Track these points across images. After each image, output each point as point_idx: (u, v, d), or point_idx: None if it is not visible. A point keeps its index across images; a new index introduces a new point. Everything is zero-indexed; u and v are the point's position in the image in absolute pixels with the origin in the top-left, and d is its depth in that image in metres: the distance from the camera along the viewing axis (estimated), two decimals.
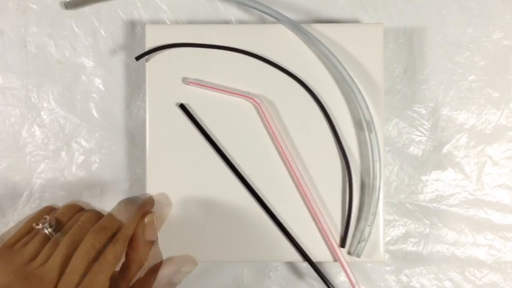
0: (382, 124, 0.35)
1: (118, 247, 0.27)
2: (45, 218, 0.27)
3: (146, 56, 0.35)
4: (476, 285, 0.38)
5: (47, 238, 0.27)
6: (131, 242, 0.29)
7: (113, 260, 0.26)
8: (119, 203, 0.30)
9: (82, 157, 0.39)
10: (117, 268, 0.29)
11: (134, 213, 0.29)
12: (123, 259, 0.29)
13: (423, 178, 0.39)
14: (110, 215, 0.29)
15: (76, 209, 0.30)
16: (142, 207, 0.31)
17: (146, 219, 0.31)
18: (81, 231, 0.27)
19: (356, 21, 0.39)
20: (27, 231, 0.28)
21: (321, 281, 0.36)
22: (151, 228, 0.31)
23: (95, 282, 0.25)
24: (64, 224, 0.28)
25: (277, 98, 0.35)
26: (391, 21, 0.39)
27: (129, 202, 0.31)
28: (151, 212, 0.31)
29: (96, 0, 0.38)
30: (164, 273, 0.30)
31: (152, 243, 0.31)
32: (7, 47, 0.39)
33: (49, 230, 0.27)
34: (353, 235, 0.35)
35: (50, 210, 0.30)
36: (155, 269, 0.31)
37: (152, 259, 0.31)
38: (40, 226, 0.27)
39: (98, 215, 0.29)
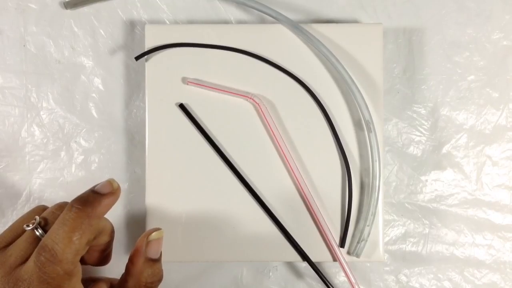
0: (382, 124, 0.35)
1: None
2: (35, 219, 0.26)
3: (146, 56, 0.35)
4: (475, 285, 0.38)
5: (38, 240, 0.25)
6: (132, 257, 0.28)
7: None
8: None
9: (81, 157, 0.39)
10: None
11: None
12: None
13: (423, 178, 0.39)
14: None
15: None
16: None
17: (152, 235, 0.28)
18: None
19: (355, 21, 0.39)
20: (18, 232, 0.26)
21: (320, 281, 0.36)
22: (156, 246, 0.29)
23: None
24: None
25: (276, 98, 0.35)
26: (391, 21, 0.39)
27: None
28: (158, 228, 0.29)
29: (96, 0, 0.38)
30: (136, 253, 0.28)
31: (155, 261, 0.29)
32: (6, 47, 0.39)
33: (40, 231, 0.25)
34: (353, 235, 0.35)
35: (41, 210, 0.28)
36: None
37: (152, 277, 0.28)
38: (30, 227, 0.25)
39: None
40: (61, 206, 0.27)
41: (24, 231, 0.26)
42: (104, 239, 0.29)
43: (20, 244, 0.25)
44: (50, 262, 0.23)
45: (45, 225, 0.26)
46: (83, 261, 0.30)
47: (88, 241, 0.25)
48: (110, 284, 0.30)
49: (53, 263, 0.23)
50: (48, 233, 0.24)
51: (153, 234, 0.28)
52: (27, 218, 0.27)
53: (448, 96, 0.39)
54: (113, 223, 0.30)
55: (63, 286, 0.23)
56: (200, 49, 0.35)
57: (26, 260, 0.24)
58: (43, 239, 0.24)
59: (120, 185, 0.38)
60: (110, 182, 0.27)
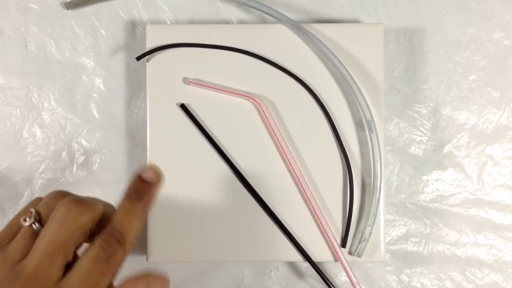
0: (383, 124, 0.35)
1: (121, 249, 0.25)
2: (30, 212, 0.26)
3: (147, 56, 0.35)
4: (477, 285, 0.38)
5: (35, 234, 0.25)
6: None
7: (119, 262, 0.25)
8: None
9: (82, 157, 0.39)
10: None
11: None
12: None
13: (424, 178, 0.39)
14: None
15: (62, 198, 0.27)
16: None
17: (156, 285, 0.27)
18: (59, 223, 0.25)
19: (356, 21, 0.39)
20: (17, 227, 0.26)
21: (321, 281, 0.36)
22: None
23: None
24: (46, 216, 0.26)
25: (277, 98, 0.35)
26: (392, 21, 0.39)
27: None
28: (167, 279, 0.28)
29: (97, 0, 0.38)
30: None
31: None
32: (7, 47, 0.39)
33: (36, 225, 0.25)
34: (354, 235, 0.35)
35: (38, 202, 0.28)
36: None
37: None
38: (27, 222, 0.25)
39: (78, 202, 0.26)
40: (55, 197, 0.27)
41: (22, 226, 0.26)
42: None
43: (20, 241, 0.25)
44: (118, 242, 0.25)
45: (40, 219, 0.26)
46: None
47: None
48: None
49: (121, 244, 0.25)
50: (114, 219, 0.25)
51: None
52: (23, 212, 0.27)
53: (449, 95, 0.39)
54: None
55: (117, 266, 0.25)
56: (201, 49, 0.35)
57: (26, 255, 0.24)
58: (109, 224, 0.25)
59: (121, 185, 0.38)
60: (154, 169, 0.28)
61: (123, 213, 0.26)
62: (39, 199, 0.28)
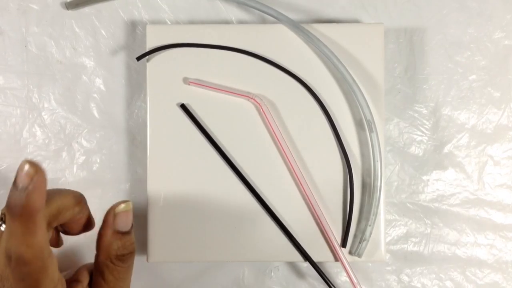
0: (383, 124, 0.35)
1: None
2: (3, 214, 0.25)
3: (147, 56, 0.35)
4: (477, 285, 0.38)
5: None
6: (100, 230, 0.27)
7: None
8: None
9: (83, 157, 0.39)
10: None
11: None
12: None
13: (424, 178, 0.39)
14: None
15: None
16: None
17: (119, 208, 0.27)
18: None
19: (356, 21, 0.39)
20: None
21: (322, 281, 0.36)
22: (125, 218, 0.27)
23: None
24: None
25: (277, 98, 0.35)
26: (392, 21, 0.39)
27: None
28: (127, 200, 0.28)
29: (97, 0, 0.38)
30: (104, 226, 0.27)
31: (125, 233, 0.27)
32: (7, 47, 0.39)
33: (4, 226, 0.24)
34: (354, 235, 0.35)
35: None
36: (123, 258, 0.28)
37: (122, 250, 0.27)
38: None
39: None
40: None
41: None
42: (69, 214, 0.27)
43: None
44: (20, 265, 0.23)
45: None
46: (67, 233, 0.29)
47: (46, 230, 0.24)
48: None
49: (24, 265, 0.23)
50: (5, 241, 0.23)
51: (121, 206, 0.27)
52: None
53: (449, 95, 0.39)
54: (59, 235, 0.30)
55: (39, 280, 0.23)
56: (201, 49, 0.35)
57: None
58: (6, 248, 0.23)
59: (122, 185, 0.38)
60: (27, 172, 0.23)
61: (9, 233, 0.23)
62: None
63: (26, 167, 0.22)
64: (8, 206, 0.22)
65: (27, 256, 0.22)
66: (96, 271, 0.27)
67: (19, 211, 0.22)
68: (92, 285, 0.27)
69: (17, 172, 0.22)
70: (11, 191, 0.22)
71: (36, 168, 0.22)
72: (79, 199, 0.28)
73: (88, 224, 0.29)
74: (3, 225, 0.25)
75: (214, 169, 0.35)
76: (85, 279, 0.27)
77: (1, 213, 0.25)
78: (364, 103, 0.34)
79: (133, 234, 0.28)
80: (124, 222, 0.27)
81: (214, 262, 0.38)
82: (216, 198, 0.35)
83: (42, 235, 0.23)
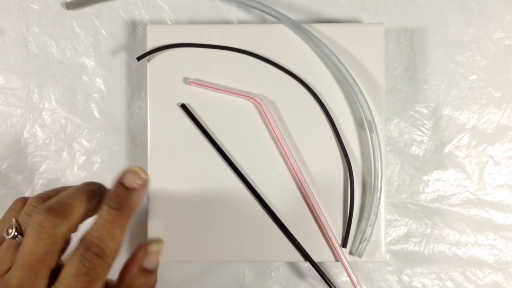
0: (383, 124, 0.35)
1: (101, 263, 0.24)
2: (12, 223, 0.25)
3: (147, 56, 0.35)
4: (478, 285, 0.38)
5: (18, 245, 0.24)
6: (128, 263, 0.27)
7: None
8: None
9: (83, 157, 0.39)
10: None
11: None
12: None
13: (425, 178, 0.39)
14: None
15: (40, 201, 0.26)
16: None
17: (152, 246, 0.27)
18: (37, 235, 0.24)
19: (357, 21, 0.39)
20: (0, 235, 0.25)
21: (322, 281, 0.36)
22: (155, 258, 0.28)
23: None
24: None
25: (278, 98, 0.35)
26: (392, 21, 0.39)
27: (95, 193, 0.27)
28: (160, 239, 0.28)
29: (97, 0, 0.39)
30: (132, 261, 0.27)
31: (150, 271, 0.27)
32: (8, 47, 0.39)
33: (19, 237, 0.25)
34: (355, 235, 0.35)
35: (20, 206, 0.27)
36: None
37: (144, 285, 0.27)
38: (9, 235, 0.25)
39: (52, 210, 0.25)
40: (34, 206, 0.26)
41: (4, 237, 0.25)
42: None
43: (4, 253, 0.25)
44: (97, 256, 0.24)
45: (21, 230, 0.25)
46: None
47: (125, 235, 0.26)
48: (105, 284, 0.29)
49: (101, 257, 0.24)
50: (91, 231, 0.24)
51: (154, 245, 0.28)
52: (5, 221, 0.26)
53: (450, 95, 0.39)
54: None
55: (100, 279, 0.24)
56: (201, 49, 0.35)
57: (9, 269, 0.24)
58: (86, 237, 0.24)
59: None
60: (137, 174, 0.26)
61: (102, 225, 0.24)
62: (20, 201, 0.27)
63: (139, 171, 0.26)
64: (110, 198, 0.25)
65: (108, 248, 0.24)
66: None
67: (120, 206, 0.25)
68: None
69: (127, 173, 0.26)
70: (116, 186, 0.25)
71: (145, 175, 0.26)
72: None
73: None
74: (19, 236, 0.25)
75: (214, 169, 0.35)
76: None
77: (16, 223, 0.25)
78: (364, 103, 0.34)
79: (157, 271, 0.28)
80: (154, 262, 0.27)
81: (214, 262, 0.38)
82: (216, 198, 0.35)
83: (125, 234, 0.25)
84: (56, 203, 0.25)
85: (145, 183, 0.26)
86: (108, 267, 0.24)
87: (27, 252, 0.23)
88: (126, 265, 0.27)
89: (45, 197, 0.26)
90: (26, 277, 0.23)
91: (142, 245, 0.28)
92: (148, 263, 0.27)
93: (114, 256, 0.25)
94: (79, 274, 0.23)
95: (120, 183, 0.26)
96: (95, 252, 0.24)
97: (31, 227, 0.23)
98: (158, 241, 0.28)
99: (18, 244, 0.24)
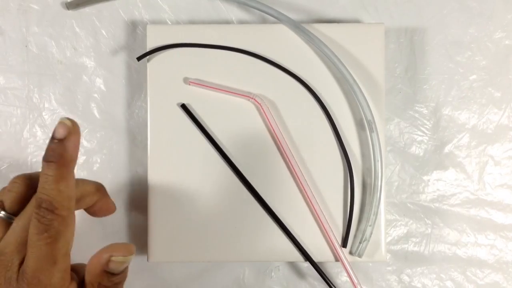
0: (383, 124, 0.35)
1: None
2: None
3: (147, 56, 0.35)
4: (478, 285, 0.38)
5: (4, 221, 0.26)
6: (92, 261, 0.26)
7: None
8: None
9: (83, 157, 0.39)
10: None
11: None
12: None
13: (425, 178, 0.39)
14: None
15: (23, 179, 0.28)
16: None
17: (118, 258, 0.26)
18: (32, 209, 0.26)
19: (357, 21, 0.39)
20: None
21: (322, 281, 0.36)
22: (119, 266, 0.26)
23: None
24: (11, 201, 0.27)
25: (278, 98, 0.35)
26: (392, 21, 0.39)
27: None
28: (130, 248, 0.27)
29: (97, 0, 0.39)
30: (94, 262, 0.26)
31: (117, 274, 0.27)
32: (8, 47, 0.39)
33: (2, 213, 0.26)
34: (355, 235, 0.35)
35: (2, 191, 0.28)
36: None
37: (107, 282, 0.26)
38: None
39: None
40: (15, 181, 0.28)
41: None
42: (90, 200, 0.30)
43: None
44: (48, 211, 0.24)
45: (3, 207, 0.27)
46: (91, 215, 0.31)
47: (74, 187, 0.26)
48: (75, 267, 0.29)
49: (52, 211, 0.24)
50: (38, 190, 0.25)
51: (119, 257, 0.26)
52: None
53: (450, 95, 0.39)
54: (115, 224, 0.30)
55: (60, 233, 0.25)
56: (201, 49, 0.35)
57: None
58: (37, 195, 0.25)
59: (122, 185, 0.38)
60: (63, 124, 0.25)
61: (45, 180, 0.25)
62: (3, 188, 0.28)
63: (65, 120, 0.25)
64: (46, 154, 0.25)
65: (56, 201, 0.25)
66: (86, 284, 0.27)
67: (56, 158, 0.25)
68: None
69: (56, 126, 0.25)
70: (49, 141, 0.25)
71: (73, 123, 0.26)
72: (99, 187, 0.30)
73: (108, 209, 0.32)
74: (2, 212, 0.26)
75: (214, 169, 0.35)
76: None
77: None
78: (364, 103, 0.34)
79: (127, 270, 0.27)
80: (117, 269, 0.27)
81: (214, 262, 0.38)
82: (216, 198, 0.35)
83: (72, 186, 0.26)
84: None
85: (72, 131, 0.25)
86: (63, 220, 0.25)
87: (18, 230, 0.25)
88: (91, 261, 0.27)
89: (23, 177, 0.28)
90: (9, 249, 0.25)
91: (109, 248, 0.27)
92: (111, 269, 0.26)
93: (67, 208, 0.25)
94: (39, 232, 0.24)
95: (52, 137, 0.26)
96: (45, 207, 0.24)
97: (45, 175, 0.25)
98: (126, 251, 0.27)
99: (3, 220, 0.26)
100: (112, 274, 0.26)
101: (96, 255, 0.27)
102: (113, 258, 0.26)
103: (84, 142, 0.39)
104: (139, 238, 0.38)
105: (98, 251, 0.27)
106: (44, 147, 0.38)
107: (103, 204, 0.31)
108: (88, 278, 0.27)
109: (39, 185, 0.25)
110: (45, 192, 0.25)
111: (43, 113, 0.39)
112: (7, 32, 0.39)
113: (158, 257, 0.35)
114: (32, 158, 0.39)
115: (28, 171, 0.38)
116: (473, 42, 0.39)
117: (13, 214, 0.27)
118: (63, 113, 0.39)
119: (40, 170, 0.25)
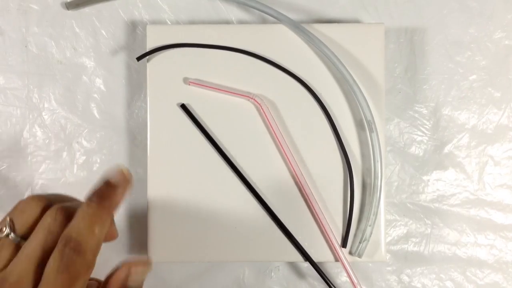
0: (383, 124, 0.35)
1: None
2: (6, 222, 0.25)
3: (147, 57, 0.35)
4: (478, 285, 0.38)
5: (13, 244, 0.25)
6: (108, 279, 0.26)
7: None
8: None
9: (83, 158, 0.39)
10: None
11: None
12: None
13: (424, 178, 0.39)
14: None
15: (37, 201, 0.26)
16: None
17: (136, 272, 0.26)
18: (44, 234, 0.24)
19: (357, 21, 0.39)
20: None
21: (322, 281, 0.36)
22: (140, 279, 0.26)
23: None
24: (22, 224, 0.25)
25: (278, 98, 0.35)
26: (392, 21, 0.39)
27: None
28: (147, 262, 0.27)
29: (97, 1, 0.38)
30: (114, 279, 0.26)
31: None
32: (8, 48, 0.39)
33: (12, 235, 0.25)
34: (355, 235, 0.35)
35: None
36: None
37: None
38: (3, 233, 0.25)
39: (65, 211, 0.26)
40: (28, 203, 0.26)
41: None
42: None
43: (1, 252, 0.25)
44: (75, 252, 0.23)
45: (14, 228, 0.25)
46: None
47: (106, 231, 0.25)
48: (96, 284, 0.29)
49: (78, 253, 0.23)
50: (70, 226, 0.24)
51: (138, 269, 0.26)
52: (2, 221, 0.26)
53: (450, 95, 0.39)
54: (115, 224, 0.30)
55: (81, 276, 0.24)
56: (201, 50, 0.35)
57: (6, 266, 0.24)
58: (66, 231, 0.24)
59: None
60: (121, 171, 0.26)
61: (81, 218, 0.24)
62: (16, 208, 0.27)
63: (124, 169, 0.26)
64: (93, 193, 0.25)
65: (86, 244, 0.24)
66: None
67: (101, 200, 0.25)
68: None
69: (113, 171, 0.25)
70: (100, 182, 0.25)
71: (130, 175, 0.26)
72: (113, 218, 0.29)
73: (111, 236, 0.30)
74: (12, 234, 0.25)
75: (214, 169, 0.35)
76: None
77: (9, 221, 0.25)
78: (364, 103, 0.34)
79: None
80: (137, 282, 0.26)
81: (214, 262, 0.38)
82: (216, 198, 0.35)
83: (104, 233, 0.25)
84: (66, 205, 0.25)
85: (128, 181, 0.26)
86: (87, 264, 0.24)
87: (33, 246, 0.24)
88: (107, 280, 0.26)
89: (40, 198, 0.26)
90: (26, 272, 0.23)
91: (126, 266, 0.26)
92: (132, 282, 0.26)
93: (93, 253, 0.24)
94: (59, 271, 0.23)
95: (105, 180, 0.25)
96: (73, 247, 0.23)
97: (42, 223, 0.24)
98: (144, 263, 0.27)
99: (13, 242, 0.24)
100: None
101: (114, 274, 0.26)
102: (133, 270, 0.26)
103: (84, 142, 0.39)
104: (139, 238, 0.38)
105: (113, 269, 0.26)
106: (44, 147, 0.38)
107: (109, 231, 0.30)
108: None
109: (73, 221, 0.24)
110: (77, 231, 0.24)
111: (43, 113, 0.39)
112: (7, 32, 0.39)
113: (158, 257, 0.35)
114: (32, 158, 0.39)
115: (28, 172, 0.38)
116: (473, 42, 0.39)
117: (22, 237, 0.25)
118: (63, 113, 0.39)
119: (53, 191, 0.25)
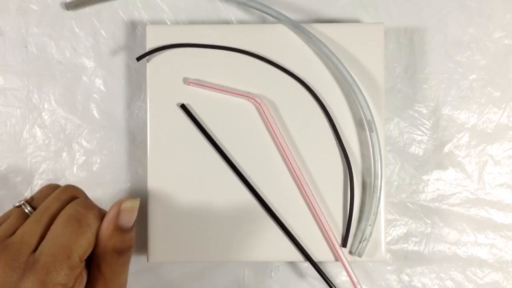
0: (383, 124, 0.35)
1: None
2: (24, 198, 0.28)
3: (147, 57, 0.35)
4: (478, 285, 0.38)
5: (26, 215, 0.27)
6: (103, 222, 0.27)
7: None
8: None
9: (83, 158, 0.39)
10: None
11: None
12: None
13: (424, 177, 0.39)
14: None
15: (56, 187, 0.29)
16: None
17: (125, 204, 0.28)
18: (53, 200, 0.27)
19: (356, 21, 0.39)
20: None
21: (322, 280, 0.36)
22: (129, 216, 0.28)
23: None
24: (38, 198, 0.28)
25: (278, 98, 0.35)
26: (392, 20, 0.39)
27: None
28: (136, 198, 0.29)
29: (97, 1, 0.38)
30: (107, 219, 0.27)
31: (126, 230, 0.28)
32: (7, 48, 0.39)
33: (28, 208, 0.27)
34: (355, 235, 0.35)
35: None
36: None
37: (120, 243, 0.27)
38: (17, 204, 0.27)
39: (77, 189, 0.29)
40: (50, 186, 0.29)
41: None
42: None
43: (10, 221, 0.26)
44: (84, 207, 0.26)
45: (31, 202, 0.27)
46: None
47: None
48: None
49: (87, 208, 0.26)
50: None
51: (127, 202, 0.28)
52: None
53: (449, 95, 0.39)
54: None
55: (92, 227, 0.26)
56: (201, 50, 0.35)
57: (13, 232, 0.25)
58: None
59: (122, 186, 0.38)
60: (130, 210, 0.27)
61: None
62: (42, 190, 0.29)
63: (129, 205, 0.27)
64: (120, 249, 0.27)
65: (94, 205, 0.27)
66: (94, 263, 0.27)
67: (129, 251, 0.28)
68: (89, 277, 0.27)
69: (121, 211, 0.27)
70: (118, 232, 0.27)
71: (137, 205, 0.28)
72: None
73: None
74: (28, 207, 0.27)
75: (214, 169, 0.35)
76: (84, 273, 0.27)
77: (28, 197, 0.28)
78: (364, 103, 0.34)
79: (134, 231, 0.28)
80: (127, 220, 0.28)
81: (214, 262, 0.38)
82: (216, 198, 0.35)
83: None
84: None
85: (134, 216, 0.28)
86: (97, 219, 0.26)
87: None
88: (102, 224, 0.27)
89: (57, 187, 0.29)
90: (28, 232, 0.25)
91: (117, 203, 0.28)
92: (122, 221, 0.27)
93: (100, 211, 0.27)
94: (70, 220, 0.25)
95: (120, 222, 0.27)
96: (81, 204, 0.26)
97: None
98: (133, 199, 0.28)
99: (24, 213, 0.27)
100: (123, 231, 0.27)
101: (106, 217, 0.27)
102: (122, 206, 0.27)
103: (83, 142, 0.39)
104: (139, 238, 0.38)
105: (106, 213, 0.27)
106: (44, 147, 0.38)
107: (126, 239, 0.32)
108: (99, 248, 0.27)
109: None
110: (86, 199, 0.27)
111: (43, 114, 0.39)
112: (7, 33, 0.39)
113: (158, 257, 0.35)
114: (32, 158, 0.39)
115: (28, 172, 0.38)
116: (472, 41, 0.39)
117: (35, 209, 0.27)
118: (63, 113, 0.39)
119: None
